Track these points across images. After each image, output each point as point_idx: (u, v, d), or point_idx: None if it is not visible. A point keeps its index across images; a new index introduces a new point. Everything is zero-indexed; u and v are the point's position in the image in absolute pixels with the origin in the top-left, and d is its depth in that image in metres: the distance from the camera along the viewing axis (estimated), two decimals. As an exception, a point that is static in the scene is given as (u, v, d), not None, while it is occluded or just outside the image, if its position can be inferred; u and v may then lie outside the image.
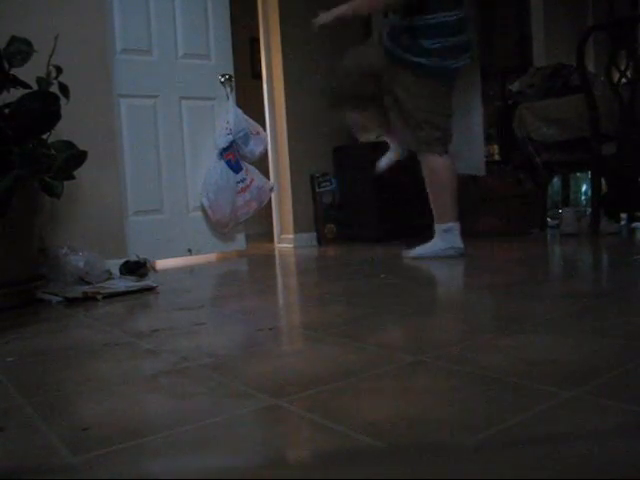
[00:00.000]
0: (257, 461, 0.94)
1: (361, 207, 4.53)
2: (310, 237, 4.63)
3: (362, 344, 1.60)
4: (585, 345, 1.45)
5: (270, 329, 1.87)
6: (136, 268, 3.15)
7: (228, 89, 4.10)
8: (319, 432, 1.03)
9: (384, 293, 2.37)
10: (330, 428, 1.04)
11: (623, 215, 4.30)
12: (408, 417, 1.07)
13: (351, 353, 1.52)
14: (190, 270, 3.64)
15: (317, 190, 4.62)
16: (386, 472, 0.86)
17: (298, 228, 4.60)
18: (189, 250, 3.96)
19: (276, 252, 4.38)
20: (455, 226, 3.20)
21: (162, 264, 3.76)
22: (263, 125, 4.40)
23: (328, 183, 4.66)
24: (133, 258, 3.29)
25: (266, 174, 4.45)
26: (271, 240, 4.83)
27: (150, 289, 2.81)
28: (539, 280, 2.51)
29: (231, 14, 4.16)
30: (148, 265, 3.21)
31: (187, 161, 3.96)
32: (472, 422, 1.02)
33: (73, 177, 2.72)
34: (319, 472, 0.90)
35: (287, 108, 4.51)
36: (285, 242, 4.64)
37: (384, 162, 3.65)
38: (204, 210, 4.00)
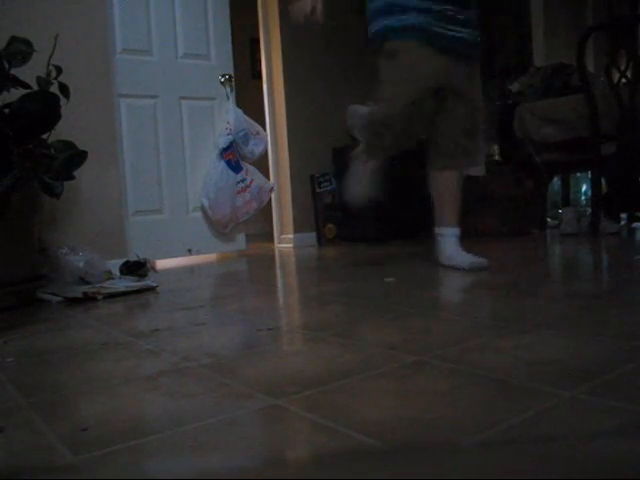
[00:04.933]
0: (257, 461, 0.94)
1: (361, 207, 4.52)
2: (310, 237, 4.63)
3: (362, 344, 1.60)
4: (585, 345, 1.45)
5: (270, 329, 1.87)
6: (136, 268, 3.16)
7: (228, 89, 4.10)
8: (319, 432, 1.03)
9: (383, 293, 2.37)
10: (330, 428, 1.04)
11: (623, 215, 4.30)
12: (408, 417, 1.07)
13: (351, 353, 1.52)
14: (190, 270, 3.64)
15: (317, 190, 4.62)
16: (386, 472, 0.86)
17: (298, 228, 4.60)
18: (189, 250, 3.96)
19: (276, 252, 4.38)
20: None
21: (162, 264, 3.76)
22: (263, 125, 4.40)
23: (328, 183, 4.66)
24: (133, 258, 3.30)
25: (266, 174, 4.45)
26: (271, 240, 4.84)
27: (150, 289, 2.81)
28: (539, 280, 2.51)
29: (231, 14, 4.16)
30: (148, 265, 3.22)
31: (187, 161, 3.96)
32: (472, 422, 1.02)
33: (73, 177, 2.72)
34: (319, 472, 0.90)
35: (287, 108, 4.51)
36: (285, 242, 4.64)
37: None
38: (204, 210, 4.00)
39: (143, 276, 3.11)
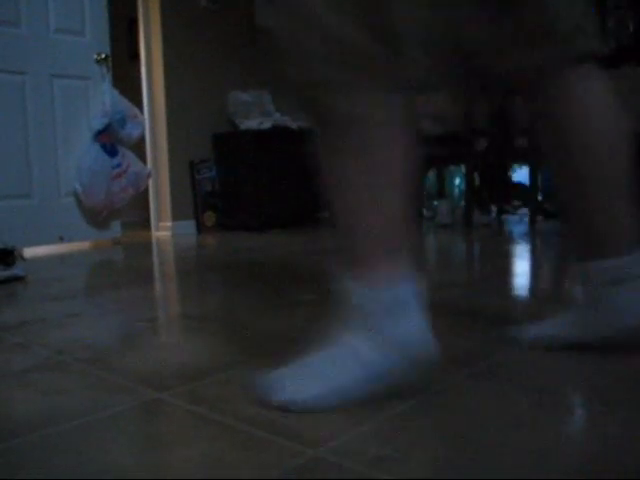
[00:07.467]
0: (143, 459, 0.90)
1: (241, 195, 4.48)
2: (189, 225, 4.53)
3: (245, 333, 1.58)
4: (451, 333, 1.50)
5: (149, 320, 1.80)
6: (2, 256, 2.96)
7: (104, 69, 3.92)
8: (205, 425, 1.00)
9: (263, 282, 2.35)
10: (216, 421, 1.01)
11: (493, 208, 4.51)
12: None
13: (234, 343, 1.49)
14: (62, 259, 3.46)
15: (196, 177, 4.53)
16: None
17: (176, 216, 4.49)
18: (61, 238, 3.76)
19: (153, 240, 4.25)
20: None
21: (31, 252, 3.54)
22: (140, 108, 4.24)
23: (207, 170, 4.58)
24: (-2, 245, 3.09)
25: (143, 159, 4.30)
26: (148, 228, 4.69)
27: (18, 279, 2.65)
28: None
29: (108, -9, 3.97)
30: (16, 253, 3.02)
31: (59, 143, 3.74)
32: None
33: None
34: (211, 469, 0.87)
35: (166, 91, 4.38)
36: (163, 230, 4.52)
37: None
38: (77, 196, 3.81)
39: (10, 265, 2.92)
